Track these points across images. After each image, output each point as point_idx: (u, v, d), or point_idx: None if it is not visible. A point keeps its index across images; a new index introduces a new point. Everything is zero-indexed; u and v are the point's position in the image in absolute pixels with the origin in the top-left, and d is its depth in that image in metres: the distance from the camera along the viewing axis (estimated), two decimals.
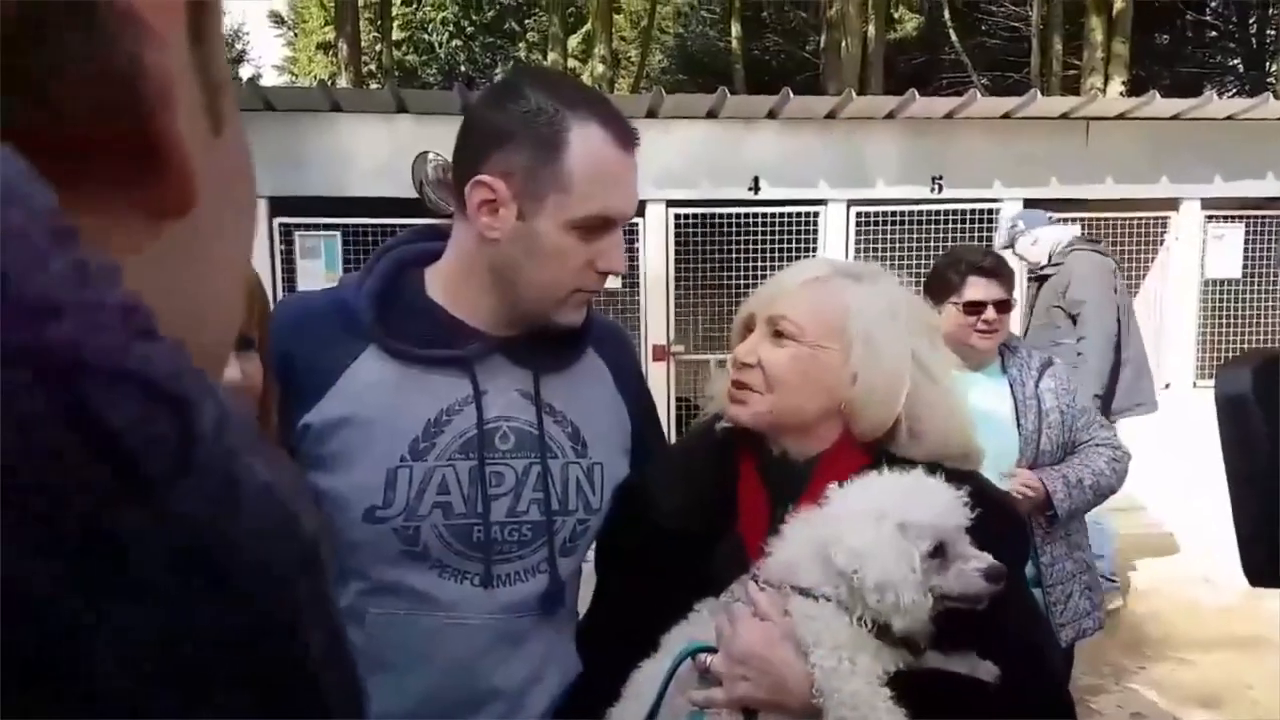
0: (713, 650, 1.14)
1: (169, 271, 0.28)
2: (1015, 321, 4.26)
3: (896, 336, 1.24)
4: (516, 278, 1.23)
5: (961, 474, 1.20)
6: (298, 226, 5.77)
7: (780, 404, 1.25)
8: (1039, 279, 4.55)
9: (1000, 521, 1.17)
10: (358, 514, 1.19)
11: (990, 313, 2.59)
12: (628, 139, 1.22)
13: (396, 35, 21.13)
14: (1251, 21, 20.59)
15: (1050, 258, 4.46)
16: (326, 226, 5.76)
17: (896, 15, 19.20)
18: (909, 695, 1.04)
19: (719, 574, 1.21)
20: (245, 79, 10.48)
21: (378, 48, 19.08)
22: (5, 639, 0.19)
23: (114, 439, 0.21)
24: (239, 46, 26.05)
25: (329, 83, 10.59)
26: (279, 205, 5.76)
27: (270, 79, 25.86)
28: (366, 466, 1.20)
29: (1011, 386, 2.63)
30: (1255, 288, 6.12)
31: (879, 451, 1.25)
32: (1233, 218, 6.10)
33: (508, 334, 1.29)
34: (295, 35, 27.23)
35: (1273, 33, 17.67)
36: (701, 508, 1.28)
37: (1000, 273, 2.66)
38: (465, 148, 1.23)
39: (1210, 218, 6.12)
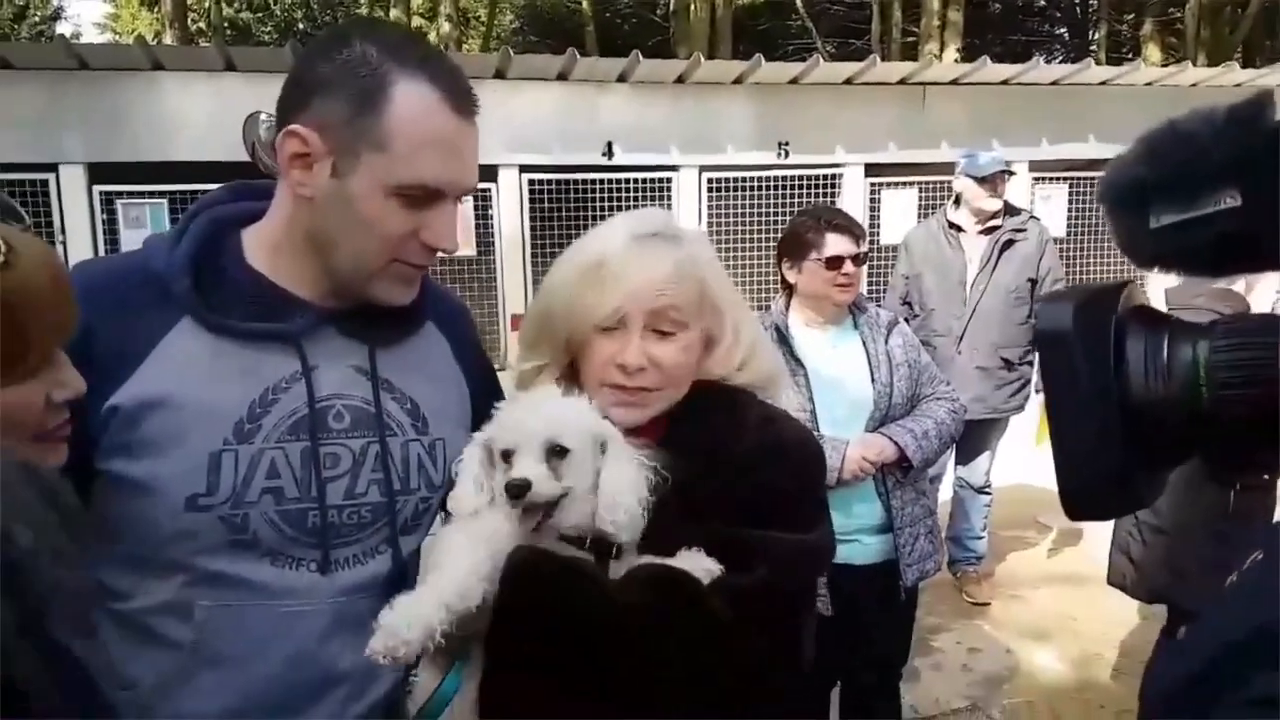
0: None
1: None
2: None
3: (730, 285, 1.30)
4: (331, 243, 1.14)
5: (769, 411, 1.28)
6: (120, 194, 5.36)
7: (675, 395, 1.25)
8: (987, 232, 4.37)
9: (796, 453, 1.24)
10: (178, 503, 1.10)
11: (849, 266, 2.69)
12: (465, 104, 1.12)
13: None
14: None
15: (1004, 213, 4.40)
16: (152, 194, 5.36)
17: None
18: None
19: None
20: (58, 35, 9.58)
21: (206, 4, 17.81)
22: None
23: None
24: (55, 3, 23.84)
25: (155, 40, 9.81)
26: (98, 172, 5.35)
27: (91, 37, 23.83)
28: (186, 451, 1.11)
29: (864, 343, 2.72)
30: (1080, 246, 6.53)
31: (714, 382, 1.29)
32: (1058, 179, 6.47)
33: (338, 305, 1.20)
34: None
35: (1094, 3, 18.82)
36: None
37: (854, 230, 2.76)
38: (285, 98, 1.13)
39: (1037, 179, 6.48)
